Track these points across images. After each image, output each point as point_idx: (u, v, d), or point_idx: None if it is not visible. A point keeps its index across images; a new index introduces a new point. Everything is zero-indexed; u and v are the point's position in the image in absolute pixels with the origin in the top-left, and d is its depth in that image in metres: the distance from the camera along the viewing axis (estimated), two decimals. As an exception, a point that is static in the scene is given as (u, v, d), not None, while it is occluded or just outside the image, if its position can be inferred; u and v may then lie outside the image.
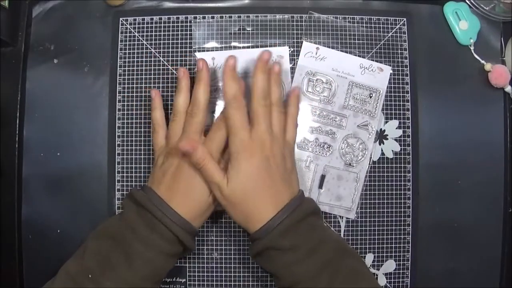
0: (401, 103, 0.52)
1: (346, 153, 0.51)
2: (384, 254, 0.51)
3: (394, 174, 0.51)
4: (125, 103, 0.52)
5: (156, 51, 0.52)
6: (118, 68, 0.52)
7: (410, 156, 0.52)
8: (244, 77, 0.50)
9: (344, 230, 0.51)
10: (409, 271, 0.51)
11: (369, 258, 0.51)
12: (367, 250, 0.51)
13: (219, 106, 0.51)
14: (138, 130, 0.51)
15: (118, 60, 0.52)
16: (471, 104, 0.53)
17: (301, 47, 0.52)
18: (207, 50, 0.52)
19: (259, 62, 0.45)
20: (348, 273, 0.41)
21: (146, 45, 0.52)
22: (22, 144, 0.51)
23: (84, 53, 0.52)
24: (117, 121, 0.51)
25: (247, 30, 0.52)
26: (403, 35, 0.52)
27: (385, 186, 0.51)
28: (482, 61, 0.52)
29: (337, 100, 0.51)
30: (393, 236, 0.51)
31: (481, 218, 0.52)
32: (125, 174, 0.51)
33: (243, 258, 0.51)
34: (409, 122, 0.52)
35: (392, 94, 0.52)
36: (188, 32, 0.52)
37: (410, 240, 0.51)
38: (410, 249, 0.51)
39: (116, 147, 0.51)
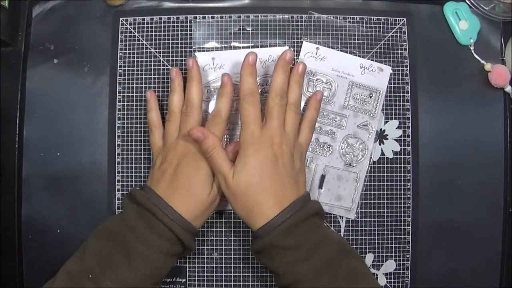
0: (401, 103, 0.52)
1: (346, 153, 0.51)
2: (384, 254, 0.51)
3: (394, 174, 0.51)
4: (125, 103, 0.52)
5: (156, 51, 0.52)
6: (118, 68, 0.52)
7: (410, 156, 0.52)
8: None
9: (344, 230, 0.51)
10: (409, 271, 0.51)
11: (369, 258, 0.51)
12: (367, 250, 0.51)
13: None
14: (138, 130, 0.51)
15: (118, 60, 0.52)
16: (471, 104, 0.53)
17: (301, 47, 0.52)
18: (207, 50, 0.52)
19: (281, 61, 0.45)
20: (348, 273, 0.41)
21: (146, 45, 0.52)
22: (22, 144, 0.51)
23: (84, 53, 0.52)
24: (117, 121, 0.51)
25: (247, 30, 0.52)
26: (403, 35, 0.52)
27: (385, 186, 0.51)
28: (482, 61, 0.52)
29: (337, 100, 0.51)
30: (393, 236, 0.51)
31: (481, 218, 0.52)
32: (125, 174, 0.51)
33: (243, 258, 0.51)
34: (409, 122, 0.52)
35: (392, 94, 0.52)
36: (188, 32, 0.52)
37: (410, 240, 0.51)
38: (410, 249, 0.51)
39: (116, 147, 0.51)
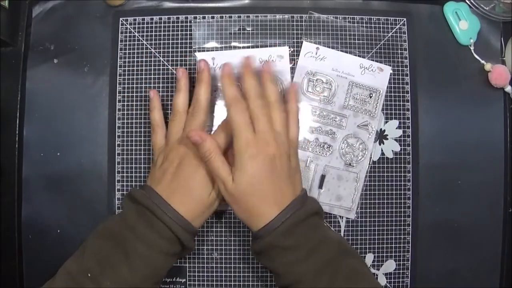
0: (401, 103, 0.52)
1: (346, 153, 0.51)
2: (384, 254, 0.51)
3: (394, 174, 0.51)
4: (125, 103, 0.52)
5: (156, 51, 0.52)
6: (118, 68, 0.52)
7: (410, 156, 0.52)
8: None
9: (344, 230, 0.51)
10: (409, 271, 0.51)
11: (369, 258, 0.51)
12: (367, 250, 0.51)
13: (219, 106, 0.51)
14: (138, 130, 0.51)
15: (118, 60, 0.52)
16: (471, 104, 0.53)
17: (301, 47, 0.52)
18: (207, 50, 0.52)
19: (243, 69, 0.45)
20: (348, 273, 0.41)
21: (146, 45, 0.52)
22: (22, 144, 0.51)
23: (84, 53, 0.52)
24: (117, 121, 0.51)
25: (247, 30, 0.52)
26: (403, 35, 0.52)
27: (385, 186, 0.51)
28: (482, 61, 0.52)
29: (337, 100, 0.51)
30: (393, 236, 0.51)
31: (481, 218, 0.52)
32: (125, 174, 0.51)
33: (243, 258, 0.51)
34: (409, 122, 0.52)
35: (392, 94, 0.52)
36: (188, 32, 0.52)
37: (410, 240, 0.51)
38: (410, 249, 0.51)
39: (116, 147, 0.51)
